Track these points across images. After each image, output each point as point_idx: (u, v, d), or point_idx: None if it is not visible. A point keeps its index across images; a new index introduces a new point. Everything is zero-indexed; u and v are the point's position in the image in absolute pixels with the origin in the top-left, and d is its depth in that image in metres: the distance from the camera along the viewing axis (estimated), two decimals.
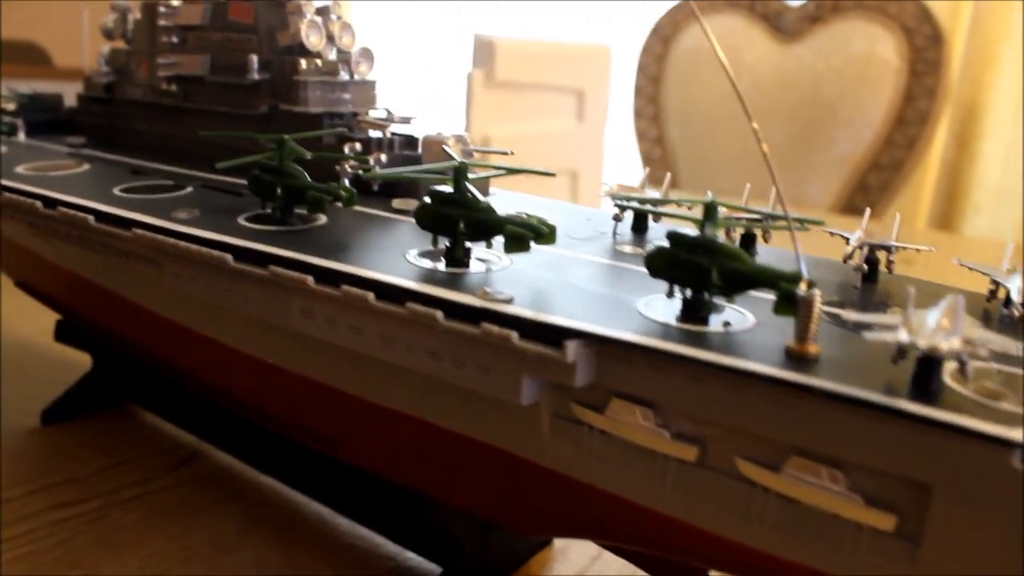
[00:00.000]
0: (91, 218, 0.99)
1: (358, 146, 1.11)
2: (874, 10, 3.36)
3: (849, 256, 0.84)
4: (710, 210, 0.70)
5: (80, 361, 1.45)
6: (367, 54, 1.18)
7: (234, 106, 1.25)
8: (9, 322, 1.74)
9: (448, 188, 0.82)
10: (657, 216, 1.02)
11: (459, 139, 1.11)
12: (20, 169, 1.20)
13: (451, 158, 1.09)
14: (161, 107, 1.36)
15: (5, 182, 1.11)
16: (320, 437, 1.00)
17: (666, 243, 0.70)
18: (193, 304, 0.97)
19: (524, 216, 0.80)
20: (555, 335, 0.67)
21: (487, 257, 0.83)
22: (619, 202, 1.00)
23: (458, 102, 2.26)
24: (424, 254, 0.84)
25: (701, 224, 0.69)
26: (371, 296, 0.76)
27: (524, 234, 0.77)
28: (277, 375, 0.94)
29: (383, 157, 1.09)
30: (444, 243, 0.82)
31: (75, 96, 1.61)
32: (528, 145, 2.23)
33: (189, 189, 1.09)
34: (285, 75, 1.18)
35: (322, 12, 1.19)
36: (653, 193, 1.04)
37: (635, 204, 0.99)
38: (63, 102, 1.58)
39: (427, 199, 0.83)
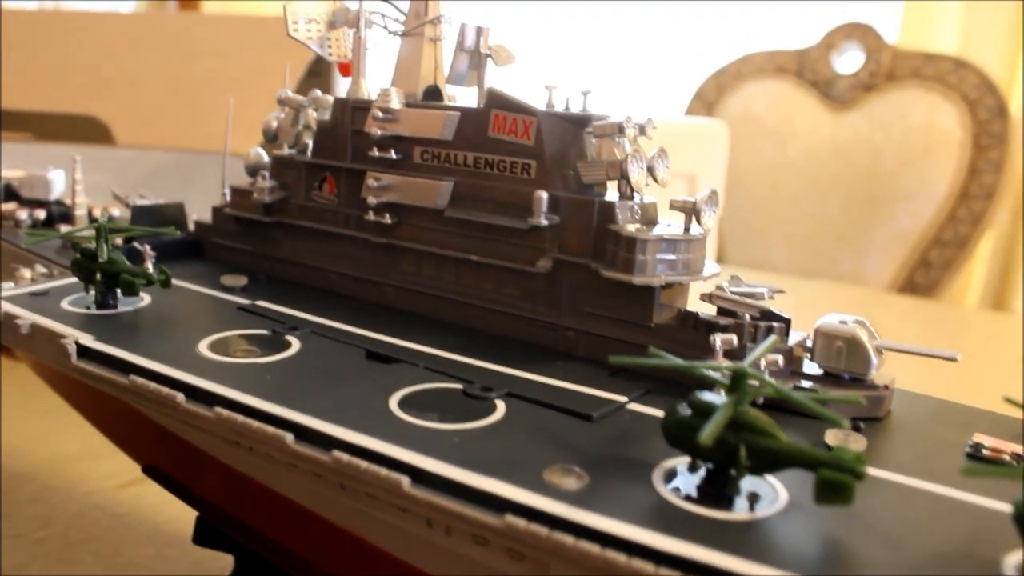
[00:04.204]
0: (406, 481, 0.59)
1: (734, 340, 0.73)
2: (933, 80, 3.11)
3: None
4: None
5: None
6: (714, 199, 0.81)
7: (493, 255, 0.86)
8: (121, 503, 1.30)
9: None
10: None
11: (866, 328, 0.75)
12: (204, 350, 0.80)
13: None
14: (361, 243, 0.96)
15: (215, 388, 0.71)
16: None
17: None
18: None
19: None
20: None
21: None
22: None
23: None
24: None
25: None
26: None
27: None
28: None
29: (780, 360, 0.71)
30: None
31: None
32: None
33: (502, 409, 0.69)
34: (590, 224, 0.81)
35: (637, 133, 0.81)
36: None
37: None
38: (185, 213, 1.16)
39: None
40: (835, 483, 0.53)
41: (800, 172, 3.23)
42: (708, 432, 0.53)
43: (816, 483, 0.53)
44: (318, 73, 1.99)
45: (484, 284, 0.88)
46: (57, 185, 1.30)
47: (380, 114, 0.91)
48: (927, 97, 3.10)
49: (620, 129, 0.79)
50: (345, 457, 0.61)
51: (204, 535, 1.02)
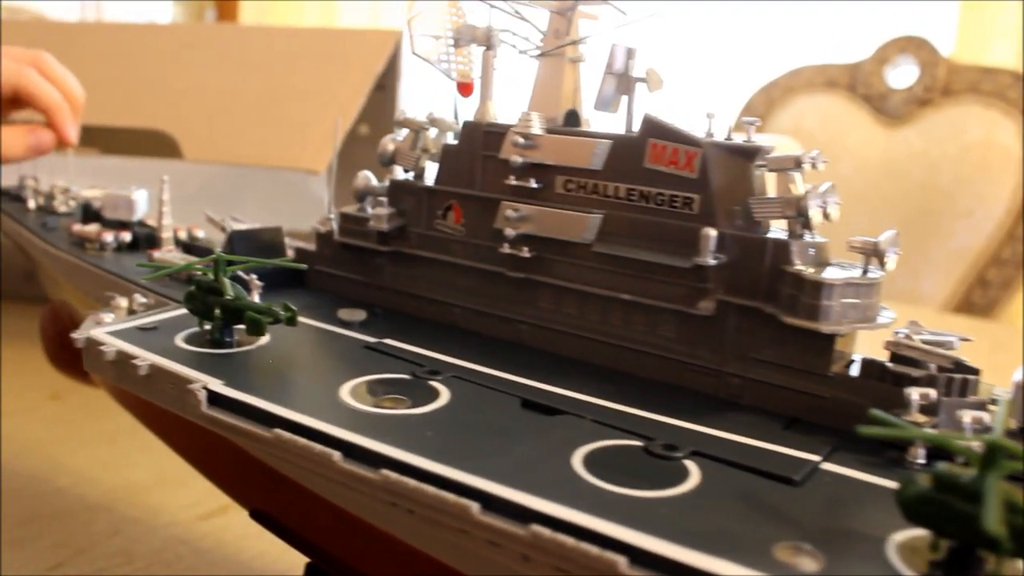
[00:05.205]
0: (623, 562, 0.53)
1: (933, 395, 0.67)
2: (991, 95, 3.03)
3: None
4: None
5: None
6: (896, 240, 0.74)
7: (646, 294, 0.80)
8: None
9: None
10: None
11: None
12: (348, 399, 0.73)
13: None
14: (491, 276, 0.90)
15: (379, 448, 0.64)
16: None
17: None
18: None
19: None
20: None
21: None
22: None
23: None
24: None
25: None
26: None
27: None
28: None
29: (985, 418, 0.65)
30: None
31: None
32: None
33: (695, 471, 0.63)
34: (762, 264, 0.74)
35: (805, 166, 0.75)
36: None
37: None
38: (283, 237, 1.10)
39: None
40: None
41: (853, 188, 3.16)
42: (993, 518, 0.47)
43: None
44: (383, 87, 1.93)
45: (634, 324, 0.82)
46: (140, 205, 1.24)
47: (520, 140, 0.85)
48: (985, 112, 3.03)
49: (797, 163, 0.73)
50: (548, 533, 0.55)
51: None
